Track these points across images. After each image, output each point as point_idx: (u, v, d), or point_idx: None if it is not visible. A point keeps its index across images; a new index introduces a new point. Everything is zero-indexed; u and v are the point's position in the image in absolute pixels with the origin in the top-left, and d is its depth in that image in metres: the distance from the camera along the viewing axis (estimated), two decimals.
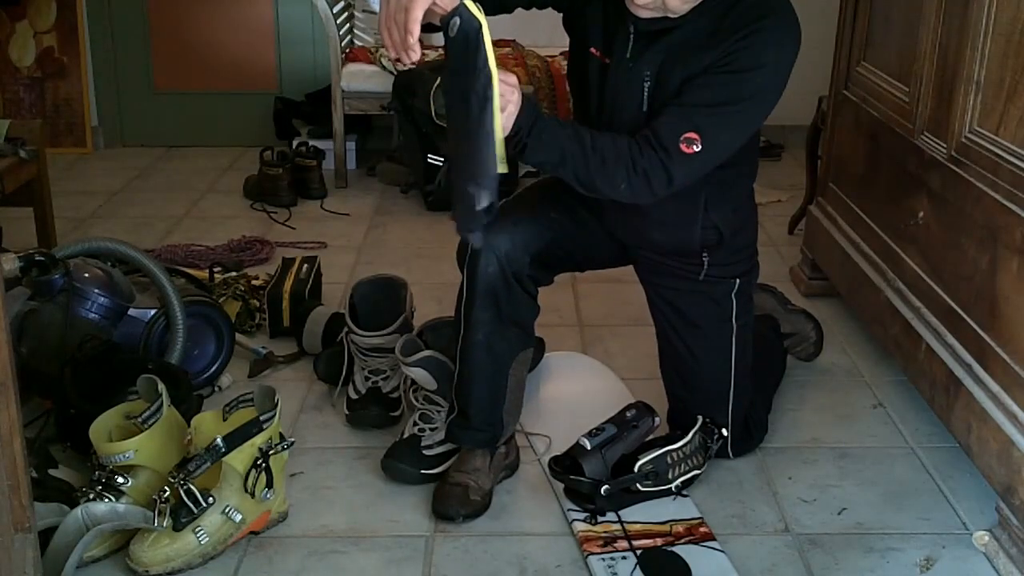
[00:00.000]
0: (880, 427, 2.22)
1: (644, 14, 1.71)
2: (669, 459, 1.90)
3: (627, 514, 1.87)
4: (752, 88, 1.69)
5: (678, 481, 1.91)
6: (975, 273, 1.89)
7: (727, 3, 1.69)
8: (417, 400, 2.06)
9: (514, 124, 1.61)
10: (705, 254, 1.92)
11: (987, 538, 1.80)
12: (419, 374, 1.99)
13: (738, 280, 1.97)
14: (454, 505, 1.88)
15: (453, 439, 1.96)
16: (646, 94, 1.75)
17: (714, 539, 1.82)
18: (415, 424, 2.03)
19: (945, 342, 1.99)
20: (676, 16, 1.70)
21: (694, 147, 1.67)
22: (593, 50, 1.82)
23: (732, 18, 1.68)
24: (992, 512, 1.82)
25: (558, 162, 1.69)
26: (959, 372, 1.91)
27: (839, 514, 1.92)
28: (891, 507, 1.94)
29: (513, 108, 1.60)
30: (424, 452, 1.99)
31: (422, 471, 1.98)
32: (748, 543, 1.83)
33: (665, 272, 1.98)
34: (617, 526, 1.84)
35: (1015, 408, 1.73)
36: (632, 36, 1.76)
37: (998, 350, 1.80)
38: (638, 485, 1.87)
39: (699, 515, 1.88)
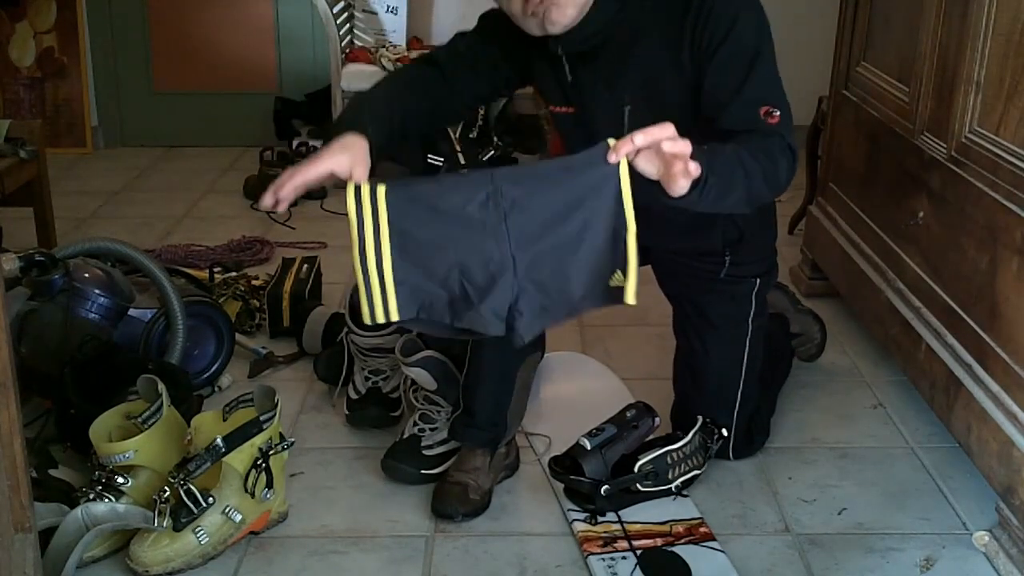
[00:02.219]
0: (880, 427, 2.22)
1: (558, 29, 1.68)
2: (669, 459, 1.89)
3: (627, 514, 1.87)
4: (749, 34, 1.67)
5: (678, 481, 1.91)
6: (975, 273, 1.89)
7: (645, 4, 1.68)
8: (417, 400, 2.06)
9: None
10: (727, 252, 1.93)
11: (987, 538, 1.79)
12: (419, 374, 1.99)
13: (758, 280, 1.97)
14: (453, 504, 1.88)
15: (456, 436, 1.96)
16: (626, 120, 1.73)
17: (714, 539, 1.82)
18: (415, 424, 2.03)
19: (945, 342, 1.99)
20: (567, 28, 1.67)
21: (776, 114, 1.66)
22: (553, 107, 1.82)
23: (667, 9, 1.67)
24: (992, 512, 1.82)
25: (728, 188, 1.54)
26: (959, 372, 1.91)
27: (839, 514, 1.92)
28: (891, 507, 1.94)
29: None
30: (424, 452, 1.99)
31: (422, 471, 1.98)
32: (748, 543, 1.83)
33: (686, 272, 1.99)
34: (617, 526, 1.84)
35: (1015, 408, 1.73)
36: (564, 58, 1.74)
37: (998, 350, 1.80)
38: (638, 485, 1.87)
39: (699, 515, 1.88)
